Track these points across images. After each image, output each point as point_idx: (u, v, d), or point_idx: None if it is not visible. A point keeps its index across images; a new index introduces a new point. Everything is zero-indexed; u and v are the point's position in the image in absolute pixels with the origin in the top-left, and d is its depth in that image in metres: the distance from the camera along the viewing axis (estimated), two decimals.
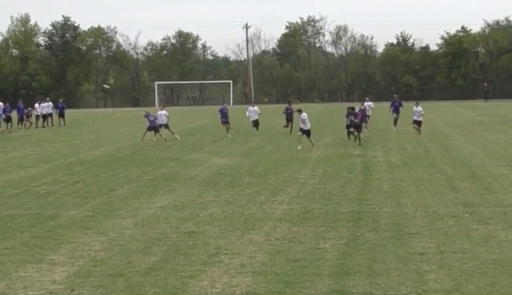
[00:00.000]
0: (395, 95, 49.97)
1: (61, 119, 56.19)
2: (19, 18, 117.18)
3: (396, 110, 45.39)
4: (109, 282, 11.97)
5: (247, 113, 42.88)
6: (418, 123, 39.40)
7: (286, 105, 45.29)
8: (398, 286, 11.45)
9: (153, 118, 39.51)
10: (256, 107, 43.19)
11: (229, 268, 12.68)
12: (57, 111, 56.99)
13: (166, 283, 11.87)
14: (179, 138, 39.18)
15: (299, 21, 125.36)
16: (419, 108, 39.59)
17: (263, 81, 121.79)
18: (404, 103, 47.92)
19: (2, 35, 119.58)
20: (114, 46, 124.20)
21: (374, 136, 39.40)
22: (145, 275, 12.36)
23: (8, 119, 50.30)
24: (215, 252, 13.87)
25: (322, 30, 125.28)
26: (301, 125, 33.95)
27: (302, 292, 11.22)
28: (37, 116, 54.80)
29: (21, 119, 52.47)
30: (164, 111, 40.38)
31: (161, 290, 11.50)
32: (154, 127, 39.12)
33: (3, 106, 50.10)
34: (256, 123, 42.41)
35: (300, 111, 34.62)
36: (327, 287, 11.45)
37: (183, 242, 14.76)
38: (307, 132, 33.80)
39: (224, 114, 42.25)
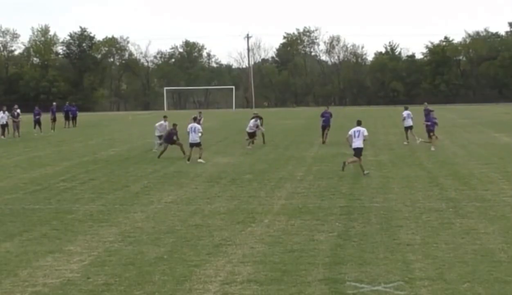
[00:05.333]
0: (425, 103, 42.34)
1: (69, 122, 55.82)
2: (39, 29, 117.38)
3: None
4: (122, 271, 11.97)
5: (404, 115, 35.41)
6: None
7: (325, 108, 38.95)
8: (386, 274, 11.44)
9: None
10: (408, 111, 35.20)
11: (232, 258, 12.67)
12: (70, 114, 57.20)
13: (174, 271, 11.87)
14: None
15: (296, 32, 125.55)
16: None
17: (263, 87, 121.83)
18: (392, 108, 47.34)
19: (24, 45, 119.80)
20: (127, 55, 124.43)
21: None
22: (154, 264, 12.36)
23: (37, 122, 48.55)
24: (219, 243, 13.86)
25: (317, 40, 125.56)
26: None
27: (299, 280, 11.21)
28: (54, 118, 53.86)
29: (53, 121, 52.25)
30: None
31: (170, 278, 11.50)
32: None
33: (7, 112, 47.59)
34: (409, 128, 34.95)
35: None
36: (322, 275, 11.45)
37: (190, 234, 14.75)
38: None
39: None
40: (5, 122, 45.24)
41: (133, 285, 11.14)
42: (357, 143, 23.92)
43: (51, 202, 19.27)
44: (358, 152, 23.93)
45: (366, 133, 24.18)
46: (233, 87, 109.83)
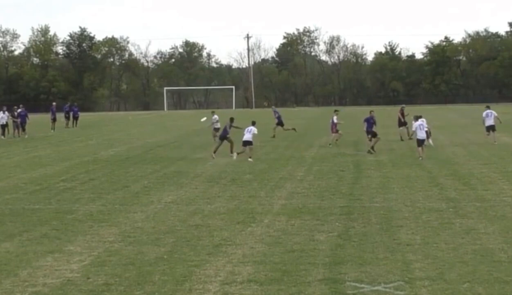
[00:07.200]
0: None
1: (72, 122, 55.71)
2: (39, 29, 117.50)
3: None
4: (122, 271, 11.96)
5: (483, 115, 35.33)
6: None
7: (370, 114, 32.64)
8: (386, 274, 11.44)
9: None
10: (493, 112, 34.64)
11: (232, 258, 12.67)
12: (72, 114, 56.90)
13: (174, 271, 11.86)
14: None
15: (296, 32, 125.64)
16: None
17: (263, 87, 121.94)
18: (392, 107, 47.06)
19: (24, 45, 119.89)
20: (127, 55, 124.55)
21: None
22: (154, 264, 12.35)
23: (22, 124, 46.84)
24: (219, 243, 13.86)
25: (317, 40, 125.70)
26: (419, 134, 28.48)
27: (299, 280, 11.21)
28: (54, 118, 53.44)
29: (53, 121, 51.82)
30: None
31: (169, 278, 11.50)
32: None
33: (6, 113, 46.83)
34: (491, 128, 34.26)
35: (417, 117, 29.16)
36: (322, 275, 11.45)
37: (190, 234, 14.75)
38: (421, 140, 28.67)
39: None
40: (5, 122, 45.17)
41: (133, 285, 11.14)
42: (421, 135, 28.25)
43: (51, 202, 19.26)
44: (421, 142, 28.14)
45: (414, 127, 28.71)
46: (233, 87, 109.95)
